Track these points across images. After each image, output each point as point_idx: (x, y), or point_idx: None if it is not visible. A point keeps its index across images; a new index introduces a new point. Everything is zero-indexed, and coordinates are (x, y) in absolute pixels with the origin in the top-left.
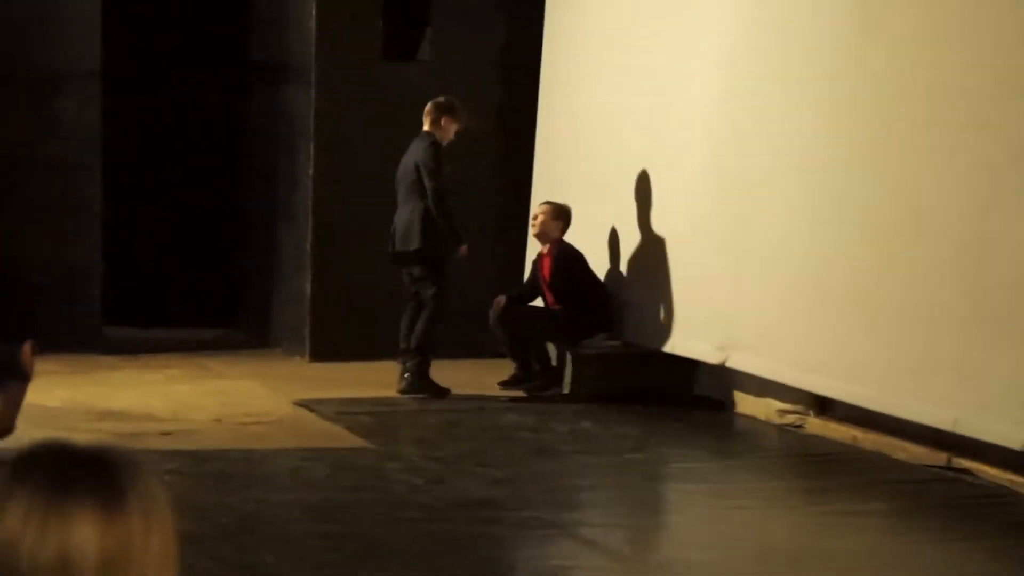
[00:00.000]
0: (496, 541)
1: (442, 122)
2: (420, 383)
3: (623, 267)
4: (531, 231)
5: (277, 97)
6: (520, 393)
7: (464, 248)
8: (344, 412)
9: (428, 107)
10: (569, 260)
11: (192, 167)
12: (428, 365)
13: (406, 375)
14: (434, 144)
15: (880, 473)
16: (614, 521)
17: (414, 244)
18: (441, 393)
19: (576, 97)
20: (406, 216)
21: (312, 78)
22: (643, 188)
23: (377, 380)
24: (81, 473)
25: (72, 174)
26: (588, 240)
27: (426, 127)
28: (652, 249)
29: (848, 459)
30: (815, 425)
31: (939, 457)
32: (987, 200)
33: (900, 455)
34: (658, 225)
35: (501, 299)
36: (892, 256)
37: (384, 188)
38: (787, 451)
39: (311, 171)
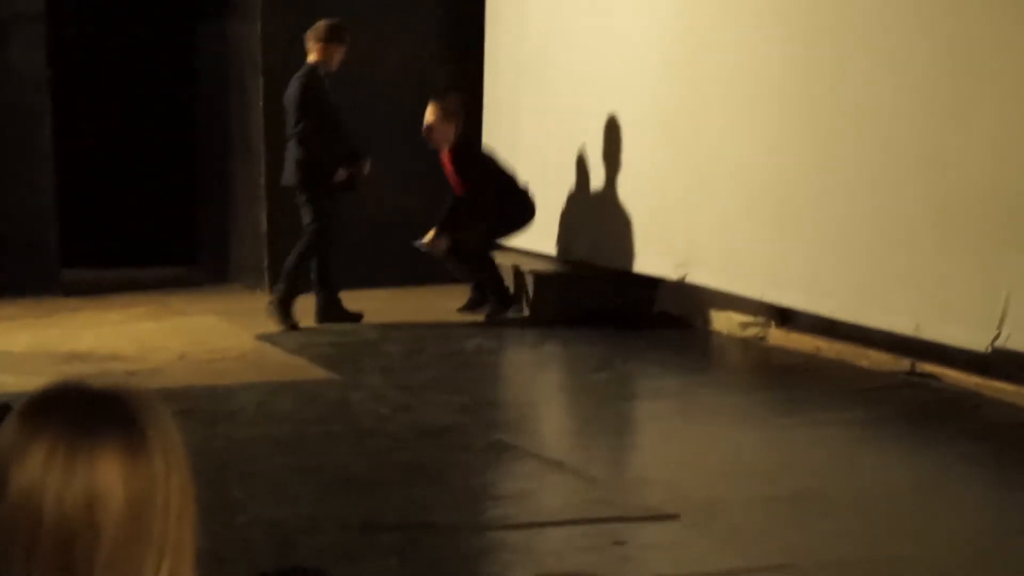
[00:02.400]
0: (464, 466)
1: (324, 50)
2: (277, 312)
3: (581, 190)
4: (428, 137)
5: (224, 32)
6: (480, 318)
7: (364, 164)
8: (307, 344)
9: (308, 34)
10: (469, 154)
11: (142, 106)
12: (293, 296)
13: (270, 304)
14: (307, 77)
15: (845, 382)
16: (581, 442)
17: (289, 179)
18: (292, 325)
19: (522, 28)
20: (288, 151)
21: (257, 10)
22: (597, 109)
23: (364, 315)
24: (103, 414)
25: (22, 119)
26: (539, 167)
27: (309, 57)
28: (609, 171)
29: (812, 369)
30: (777, 336)
31: (903, 363)
32: (942, 113)
33: (863, 363)
34: (613, 147)
35: (438, 243)
36: (850, 169)
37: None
38: (751, 364)
39: (261, 104)
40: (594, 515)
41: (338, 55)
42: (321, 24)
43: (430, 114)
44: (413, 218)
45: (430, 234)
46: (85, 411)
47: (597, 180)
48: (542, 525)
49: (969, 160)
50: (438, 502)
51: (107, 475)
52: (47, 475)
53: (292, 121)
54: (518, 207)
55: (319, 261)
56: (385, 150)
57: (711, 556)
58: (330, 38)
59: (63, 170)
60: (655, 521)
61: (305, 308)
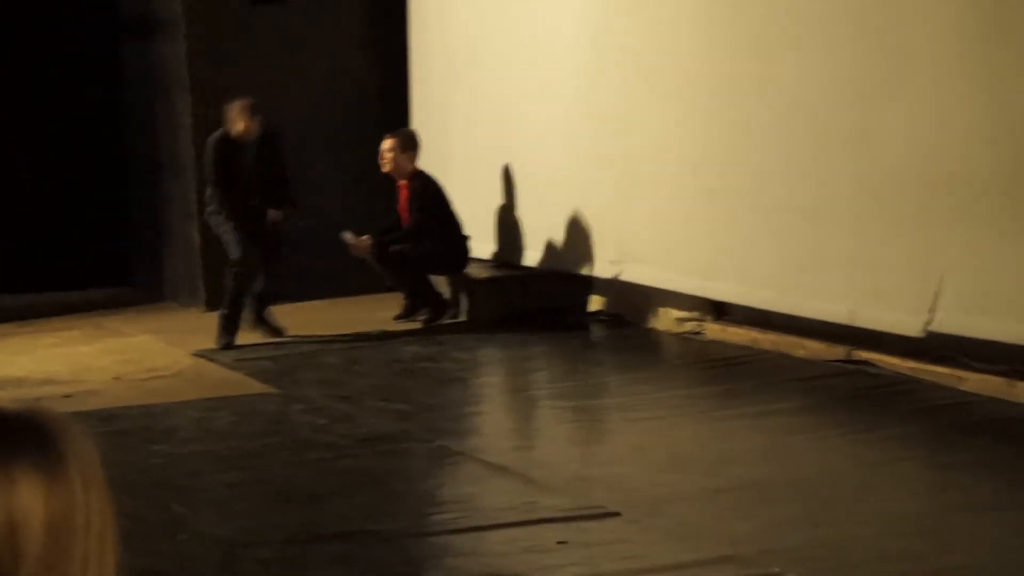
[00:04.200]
0: (406, 473)
1: (235, 123)
2: (262, 326)
3: (511, 192)
4: (383, 168)
5: (149, 50)
6: (417, 325)
7: (275, 213)
8: (244, 359)
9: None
10: (424, 191)
11: (68, 127)
12: (235, 319)
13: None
14: (216, 141)
15: (782, 372)
16: (522, 443)
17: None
18: (278, 331)
19: (448, 28)
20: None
21: (182, 29)
22: (526, 108)
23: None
24: (16, 437)
25: None
26: (470, 168)
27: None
28: (536, 172)
29: (749, 361)
30: (714, 330)
31: (838, 351)
32: (869, 95)
33: (800, 353)
34: (540, 147)
35: (362, 241)
36: (776, 156)
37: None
38: (688, 359)
39: (190, 122)
40: (537, 516)
41: (253, 127)
42: (235, 104)
43: (387, 147)
44: (342, 228)
45: (365, 241)
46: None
47: (528, 181)
48: (486, 528)
49: (898, 144)
50: (381, 510)
51: (26, 499)
52: None
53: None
54: (453, 257)
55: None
56: (317, 160)
57: (655, 550)
58: (240, 115)
59: None
60: (597, 519)
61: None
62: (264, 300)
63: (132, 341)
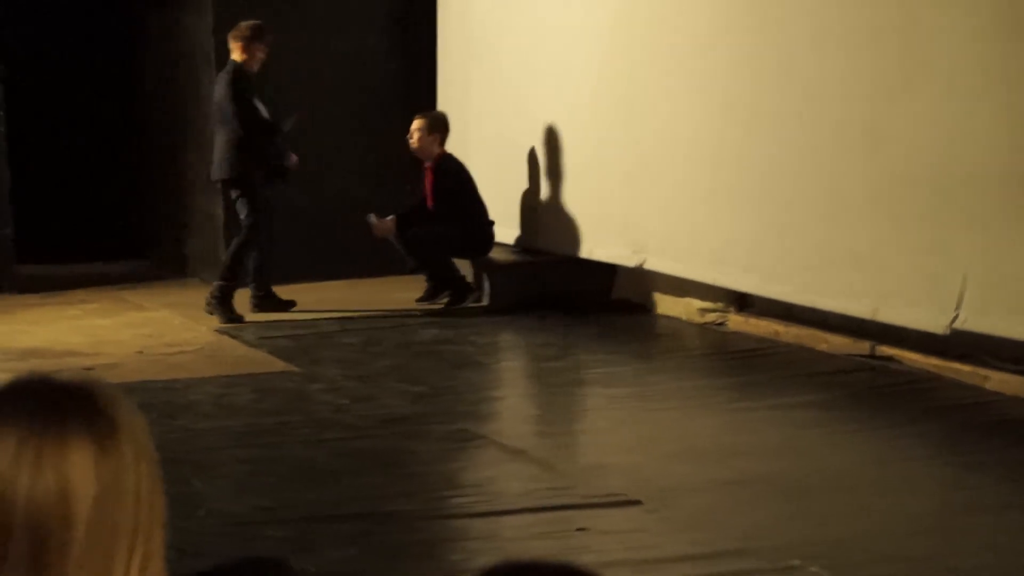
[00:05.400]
0: (423, 455)
1: (245, 49)
2: (218, 307)
3: (535, 178)
4: (411, 146)
5: (175, 22)
6: (438, 307)
7: (294, 158)
8: (265, 336)
9: (230, 35)
10: (449, 174)
11: (93, 100)
12: (232, 290)
13: (210, 300)
14: (234, 74)
15: (804, 366)
16: (540, 429)
17: (222, 173)
18: (234, 319)
19: (472, 12)
20: (218, 146)
21: (209, 1)
22: (549, 96)
23: (297, 302)
24: (69, 406)
25: None
26: (493, 153)
27: (232, 56)
28: (563, 158)
29: (771, 354)
30: (736, 322)
31: (862, 346)
32: (889, 92)
33: (823, 347)
34: (567, 133)
35: (386, 221)
36: (804, 151)
37: (288, 105)
38: (709, 350)
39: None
40: (555, 502)
41: (260, 54)
42: (242, 24)
43: (415, 127)
44: (366, 209)
45: (389, 222)
46: (52, 404)
47: (551, 168)
48: (503, 513)
49: (919, 139)
50: (398, 491)
51: (78, 467)
52: (18, 470)
53: (218, 117)
54: (477, 241)
55: (257, 253)
56: (335, 141)
57: (671, 541)
58: (251, 37)
59: (14, 166)
60: (616, 507)
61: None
62: (266, 274)
63: (153, 315)
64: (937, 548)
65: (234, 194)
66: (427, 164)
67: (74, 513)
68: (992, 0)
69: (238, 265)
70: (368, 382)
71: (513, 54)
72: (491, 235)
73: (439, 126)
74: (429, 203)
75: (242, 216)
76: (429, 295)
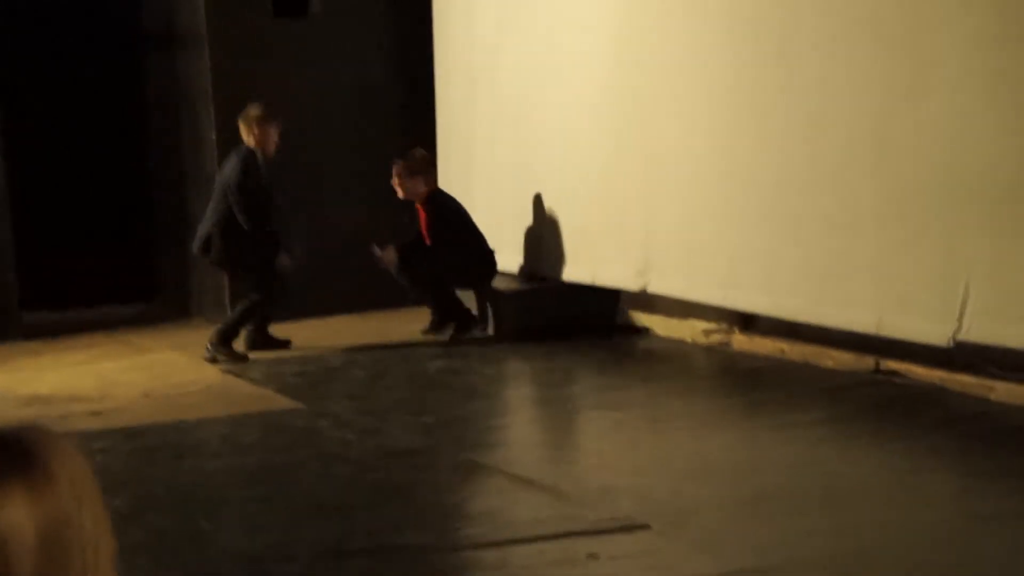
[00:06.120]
0: (433, 486)
1: (257, 132)
2: (221, 351)
3: (536, 204)
4: (399, 194)
5: (173, 64)
6: (443, 338)
7: (285, 259)
8: (271, 374)
9: (241, 119)
10: (441, 213)
11: (94, 143)
12: (231, 339)
13: (209, 347)
14: (246, 158)
15: (810, 383)
16: (548, 456)
17: (215, 253)
18: (238, 358)
19: (470, 41)
20: (207, 222)
21: (206, 42)
22: (550, 119)
23: (302, 339)
24: (3, 455)
25: None
26: (494, 181)
27: (244, 139)
28: (563, 183)
29: (777, 372)
30: (741, 341)
31: (867, 362)
32: (894, 105)
33: (828, 363)
34: (566, 159)
35: (388, 252)
36: (800, 165)
37: (288, 145)
38: (716, 370)
39: (213, 136)
40: (566, 529)
41: (272, 134)
42: (251, 108)
43: (395, 175)
44: (371, 241)
45: (390, 253)
46: None
47: (552, 194)
48: (514, 542)
49: (922, 152)
50: (408, 523)
51: (14, 516)
52: None
53: (219, 195)
54: (479, 269)
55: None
56: (341, 174)
57: (684, 562)
58: (263, 118)
59: (16, 212)
60: (627, 531)
61: (285, 335)
62: (267, 317)
63: (159, 357)
64: (953, 560)
65: (229, 271)
66: (418, 204)
67: (14, 563)
68: (997, 9)
69: (239, 326)
70: (376, 415)
71: (513, 78)
72: (493, 263)
73: (419, 167)
74: (426, 240)
75: (251, 290)
76: (435, 326)
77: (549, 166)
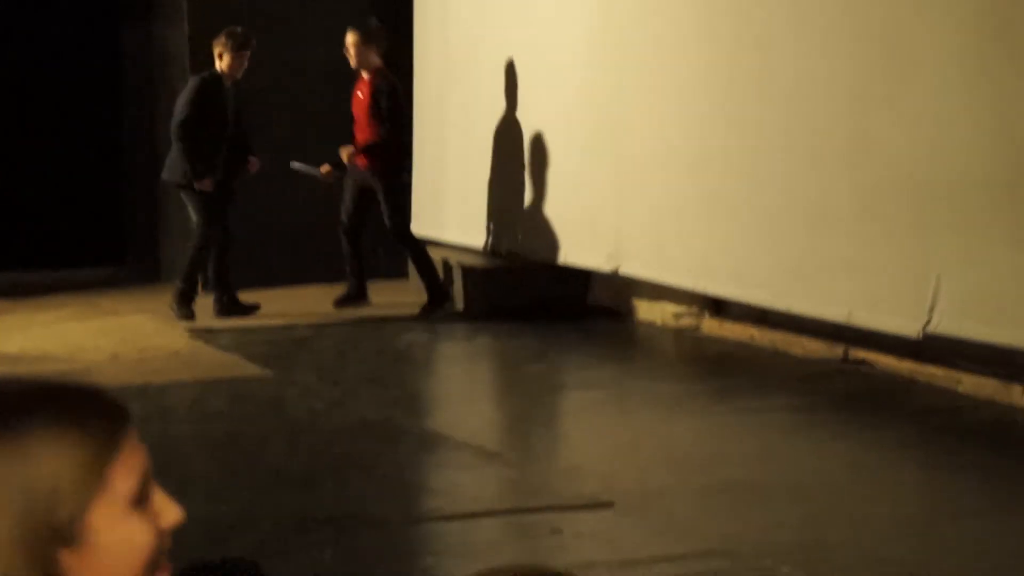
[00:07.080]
0: (399, 459)
1: (231, 57)
2: (178, 308)
3: (509, 184)
4: (351, 63)
5: (150, 34)
6: (413, 314)
7: (207, 182)
8: (240, 342)
9: (217, 41)
10: (385, 87)
11: (68, 108)
12: (191, 292)
13: (173, 302)
14: (206, 80)
15: (779, 370)
16: (515, 433)
17: (171, 175)
18: (188, 316)
19: (449, 22)
20: (174, 149)
21: (183, 12)
22: (524, 101)
23: (271, 307)
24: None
25: None
26: (469, 162)
27: (218, 62)
28: (538, 165)
29: (746, 358)
30: (711, 326)
31: (836, 351)
32: (869, 99)
33: (797, 351)
34: (541, 140)
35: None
36: (776, 159)
37: (265, 114)
38: (685, 354)
39: None
40: (529, 504)
41: (246, 62)
42: (233, 30)
43: (350, 42)
44: (340, 213)
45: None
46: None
47: (525, 173)
48: (477, 516)
49: (896, 146)
50: (372, 495)
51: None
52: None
53: (177, 118)
54: (394, 164)
55: (215, 258)
56: (313, 150)
57: (646, 543)
58: (241, 45)
59: None
60: (590, 510)
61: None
62: (227, 280)
63: (127, 320)
64: (916, 552)
65: (184, 197)
66: (364, 75)
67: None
68: (975, 8)
69: (196, 269)
70: (343, 387)
71: (490, 64)
72: (407, 156)
73: (374, 36)
74: (356, 120)
75: (193, 220)
76: (346, 299)
77: (520, 151)
